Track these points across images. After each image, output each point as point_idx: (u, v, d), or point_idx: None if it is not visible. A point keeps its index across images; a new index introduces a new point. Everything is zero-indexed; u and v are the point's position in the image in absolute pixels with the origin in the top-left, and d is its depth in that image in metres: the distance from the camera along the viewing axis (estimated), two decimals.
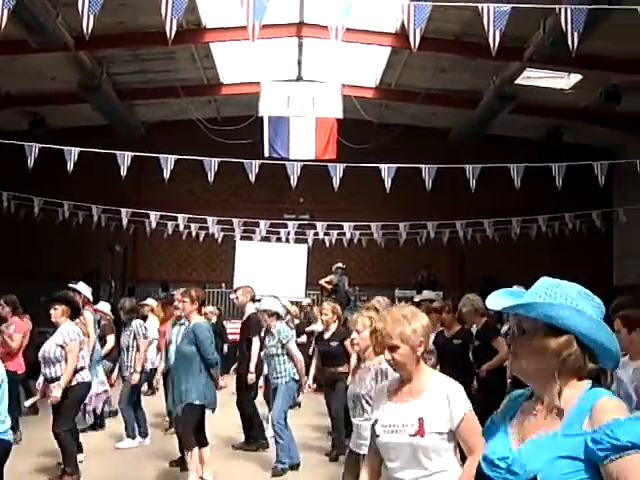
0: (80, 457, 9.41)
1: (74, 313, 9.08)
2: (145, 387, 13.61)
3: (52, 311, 8.91)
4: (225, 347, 18.00)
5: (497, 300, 2.59)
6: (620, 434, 2.21)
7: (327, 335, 10.57)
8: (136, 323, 11.62)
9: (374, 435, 4.00)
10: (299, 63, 22.68)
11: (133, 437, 11.22)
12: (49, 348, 8.68)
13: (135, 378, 11.12)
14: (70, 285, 11.86)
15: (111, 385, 12.44)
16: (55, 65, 19.00)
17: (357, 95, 22.62)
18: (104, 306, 13.12)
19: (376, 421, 3.99)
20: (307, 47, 21.43)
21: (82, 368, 8.94)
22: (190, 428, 8.57)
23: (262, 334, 10.29)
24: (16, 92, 20.92)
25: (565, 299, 2.51)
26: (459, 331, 10.06)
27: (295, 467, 9.70)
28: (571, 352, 2.45)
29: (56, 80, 20.04)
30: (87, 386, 9.16)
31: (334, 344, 10.36)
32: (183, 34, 16.76)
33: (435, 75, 20.87)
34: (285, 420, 9.75)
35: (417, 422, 3.83)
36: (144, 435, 11.33)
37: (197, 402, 8.47)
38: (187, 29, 17.74)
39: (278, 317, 10.06)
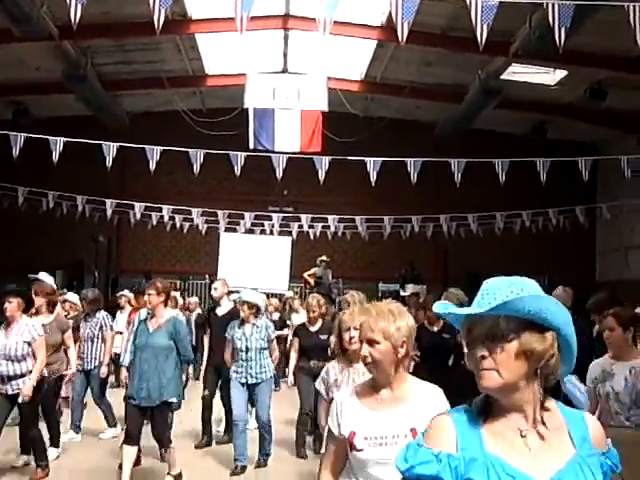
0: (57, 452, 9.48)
1: (28, 307, 8.67)
2: (112, 379, 13.35)
3: (7, 305, 8.35)
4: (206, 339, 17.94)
5: (451, 308, 2.26)
6: (616, 461, 2.22)
7: (314, 328, 10.33)
8: (102, 314, 11.35)
9: (349, 448, 3.47)
10: (285, 55, 22.65)
11: (115, 425, 11.10)
12: (14, 345, 8.23)
13: (104, 371, 10.88)
14: (31, 276, 11.58)
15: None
16: (39, 55, 18.92)
17: (342, 88, 22.62)
18: (73, 297, 12.78)
19: (353, 433, 3.45)
20: (293, 39, 21.40)
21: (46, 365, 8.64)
22: (167, 426, 8.48)
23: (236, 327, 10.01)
24: (0, 81, 20.79)
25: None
26: (445, 325, 9.94)
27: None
28: (553, 353, 2.17)
29: (40, 70, 19.95)
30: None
31: (323, 337, 9.98)
32: (168, 25, 16.61)
33: (421, 69, 20.89)
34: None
35: (410, 433, 3.40)
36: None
37: (174, 399, 8.26)
38: (172, 20, 17.67)
39: (257, 311, 9.70)
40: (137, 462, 8.69)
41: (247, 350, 9.39)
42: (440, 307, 2.28)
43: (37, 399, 8.45)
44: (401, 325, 3.56)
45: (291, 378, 10.50)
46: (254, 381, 9.37)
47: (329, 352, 9.66)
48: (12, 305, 8.34)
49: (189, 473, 8.71)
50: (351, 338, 4.99)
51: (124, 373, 9.03)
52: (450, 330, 9.61)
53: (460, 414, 2.22)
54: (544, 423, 2.17)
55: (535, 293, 2.18)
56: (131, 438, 8.13)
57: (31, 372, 8.31)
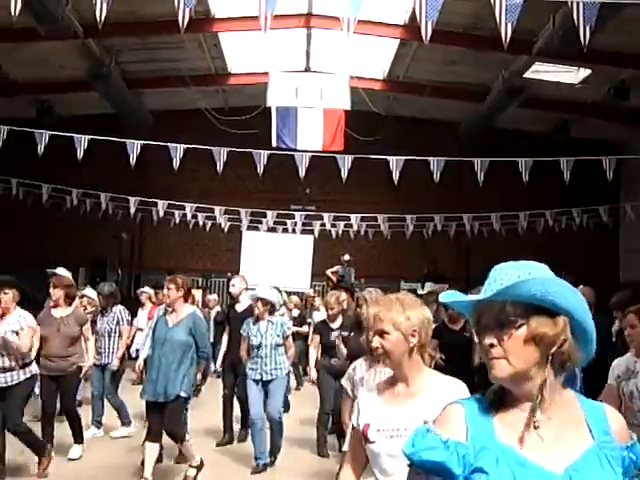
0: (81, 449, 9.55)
1: (21, 299, 8.62)
2: (134, 376, 13.37)
3: (2, 296, 8.31)
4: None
5: (458, 296, 2.20)
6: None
7: (335, 325, 10.39)
8: (118, 309, 11.37)
9: (363, 440, 3.45)
10: (307, 54, 22.65)
11: (129, 424, 11.07)
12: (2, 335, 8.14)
13: (115, 363, 10.92)
14: (50, 270, 11.66)
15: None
16: (64, 53, 19.03)
17: (365, 87, 22.59)
18: (90, 292, 12.79)
19: (367, 425, 3.44)
20: (315, 38, 21.40)
21: (31, 361, 8.55)
22: (181, 421, 8.51)
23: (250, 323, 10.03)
24: (25, 80, 20.92)
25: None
26: (466, 323, 9.89)
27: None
28: (566, 339, 2.07)
29: (65, 68, 20.06)
30: (35, 380, 8.77)
31: (343, 334, 10.18)
32: (192, 23, 16.59)
33: (443, 68, 20.82)
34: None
35: None
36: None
37: (187, 394, 8.32)
38: (196, 18, 17.71)
39: (272, 307, 9.74)
40: (159, 459, 8.71)
41: (262, 347, 9.43)
42: (445, 297, 2.24)
43: (22, 392, 8.34)
44: (411, 314, 3.53)
45: (314, 374, 10.59)
46: (269, 377, 9.42)
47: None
48: (7, 296, 8.34)
49: (211, 472, 8.72)
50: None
51: (140, 366, 9.11)
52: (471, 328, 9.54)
53: (472, 403, 2.18)
54: (558, 413, 2.10)
55: (542, 276, 2.10)
56: (153, 435, 8.17)
57: (22, 366, 8.29)
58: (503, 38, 10.50)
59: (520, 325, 2.05)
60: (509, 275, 2.09)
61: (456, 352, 9.23)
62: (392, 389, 3.55)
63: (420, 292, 19.66)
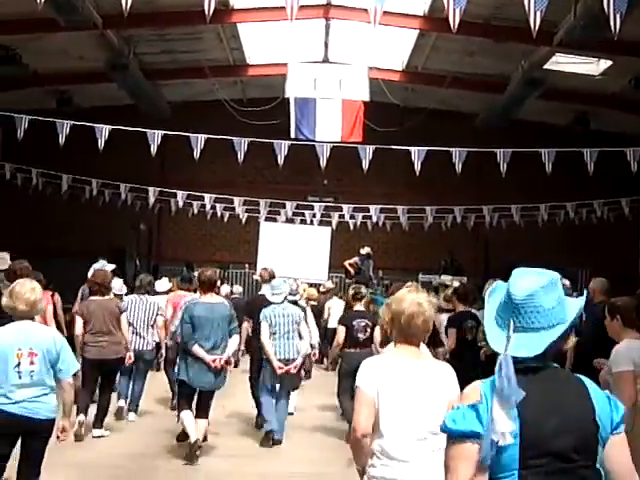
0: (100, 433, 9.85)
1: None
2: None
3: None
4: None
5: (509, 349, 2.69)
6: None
7: (357, 318, 10.79)
8: (155, 299, 11.80)
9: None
10: (326, 45, 22.62)
11: (135, 410, 11.32)
12: None
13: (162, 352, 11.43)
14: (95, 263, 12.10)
15: None
16: (83, 44, 19.08)
17: (383, 78, 22.52)
18: (116, 282, 12.97)
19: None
20: (334, 29, 21.35)
21: None
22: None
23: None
24: (45, 71, 20.98)
25: None
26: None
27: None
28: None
29: (84, 59, 20.08)
30: None
31: (363, 324, 10.62)
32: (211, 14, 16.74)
33: (462, 59, 20.73)
34: None
35: None
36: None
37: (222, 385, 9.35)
38: (215, 9, 17.69)
39: (285, 297, 10.47)
40: (185, 437, 9.29)
41: (277, 333, 10.13)
42: (494, 345, 2.79)
43: None
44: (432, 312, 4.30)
45: (329, 362, 11.21)
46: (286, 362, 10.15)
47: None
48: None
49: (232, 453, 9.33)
50: None
51: (171, 354, 9.38)
52: None
53: (487, 382, 2.74)
54: None
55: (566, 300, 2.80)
56: (187, 407, 9.12)
57: None
58: (532, 26, 10.43)
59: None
60: (547, 304, 2.72)
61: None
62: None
63: (435, 284, 19.72)
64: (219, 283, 12.25)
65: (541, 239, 23.21)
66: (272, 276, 11.89)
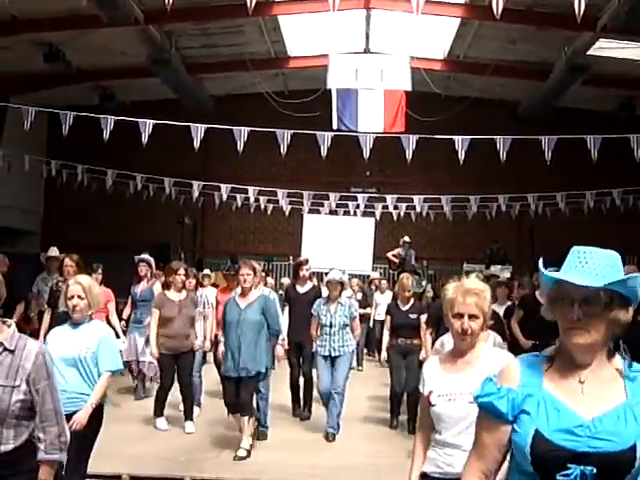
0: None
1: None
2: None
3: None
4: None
5: (580, 278, 2.49)
6: None
7: (405, 307, 10.93)
8: (205, 292, 11.92)
9: (428, 405, 4.14)
10: (367, 35, 22.53)
11: (199, 404, 11.45)
12: None
13: (208, 345, 11.42)
14: (137, 257, 12.29)
15: None
16: (125, 40, 19.20)
17: (425, 67, 22.38)
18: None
19: (430, 392, 4.13)
20: (375, 19, 21.26)
21: None
22: (252, 395, 9.24)
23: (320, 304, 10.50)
24: (87, 67, 21.18)
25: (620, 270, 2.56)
26: None
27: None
28: (627, 321, 2.54)
29: (126, 55, 20.23)
30: None
31: (413, 316, 10.75)
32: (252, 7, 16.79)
33: (504, 46, 20.54)
34: None
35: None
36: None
37: (263, 370, 9.13)
38: (256, 2, 17.75)
39: (342, 288, 10.53)
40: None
41: (331, 326, 10.18)
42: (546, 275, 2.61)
43: None
44: (488, 302, 4.25)
45: (384, 354, 11.26)
46: (336, 354, 10.17)
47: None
48: None
49: (284, 445, 9.50)
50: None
51: (221, 348, 9.62)
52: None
53: (527, 359, 2.69)
54: (602, 374, 2.54)
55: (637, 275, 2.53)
56: (232, 407, 9.15)
57: None
58: (576, 11, 10.33)
59: (607, 310, 2.48)
60: (601, 264, 2.51)
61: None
62: (453, 359, 4.23)
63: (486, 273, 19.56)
64: (263, 275, 12.38)
65: (587, 227, 22.94)
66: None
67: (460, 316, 4.12)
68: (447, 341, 6.06)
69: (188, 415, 10.23)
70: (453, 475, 4.01)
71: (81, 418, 5.67)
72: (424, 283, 19.00)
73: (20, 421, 3.93)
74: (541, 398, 2.52)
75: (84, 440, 5.66)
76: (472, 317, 4.11)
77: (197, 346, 10.38)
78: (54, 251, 12.93)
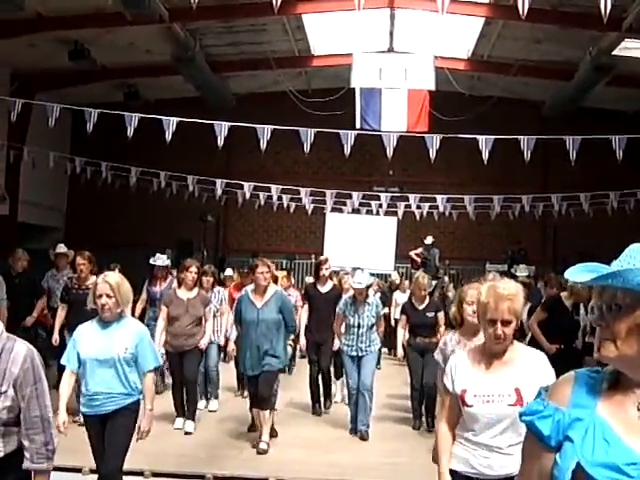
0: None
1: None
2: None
3: None
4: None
5: (579, 274, 2.09)
6: None
7: (422, 306, 10.92)
8: (219, 289, 11.97)
9: (460, 404, 4.11)
10: (391, 34, 22.49)
11: (216, 396, 11.61)
12: None
13: (222, 340, 11.57)
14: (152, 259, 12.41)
15: None
16: (149, 37, 19.27)
17: (449, 67, 22.33)
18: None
19: (464, 391, 4.09)
20: (399, 18, 21.23)
21: None
22: (273, 390, 9.29)
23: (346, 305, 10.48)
24: (112, 65, 21.30)
25: None
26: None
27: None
28: None
29: (150, 53, 20.32)
30: None
31: (430, 315, 10.78)
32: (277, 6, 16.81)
33: (529, 46, 20.45)
34: None
35: (514, 392, 4.03)
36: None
37: (281, 366, 9.26)
38: (281, 1, 17.76)
39: (368, 289, 10.58)
40: (254, 428, 9.60)
41: (359, 326, 10.15)
42: (571, 273, 2.13)
43: None
44: (521, 303, 4.19)
45: (400, 352, 11.42)
46: (363, 354, 10.15)
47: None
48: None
49: (305, 441, 9.58)
50: (474, 312, 5.43)
51: (231, 346, 9.94)
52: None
53: (584, 375, 2.18)
54: None
55: None
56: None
57: None
58: (602, 11, 10.27)
59: (627, 312, 2.01)
60: (628, 259, 2.05)
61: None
62: (487, 359, 4.16)
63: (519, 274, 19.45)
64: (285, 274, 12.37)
65: (610, 228, 22.78)
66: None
67: (493, 322, 4.06)
68: (450, 340, 6.15)
69: (190, 414, 10.06)
70: (491, 477, 4.08)
71: (148, 427, 5.97)
72: (446, 281, 18.98)
73: (8, 427, 3.73)
74: (591, 424, 2.05)
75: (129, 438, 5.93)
76: (505, 323, 4.05)
77: (203, 345, 10.19)
78: (62, 247, 12.96)
